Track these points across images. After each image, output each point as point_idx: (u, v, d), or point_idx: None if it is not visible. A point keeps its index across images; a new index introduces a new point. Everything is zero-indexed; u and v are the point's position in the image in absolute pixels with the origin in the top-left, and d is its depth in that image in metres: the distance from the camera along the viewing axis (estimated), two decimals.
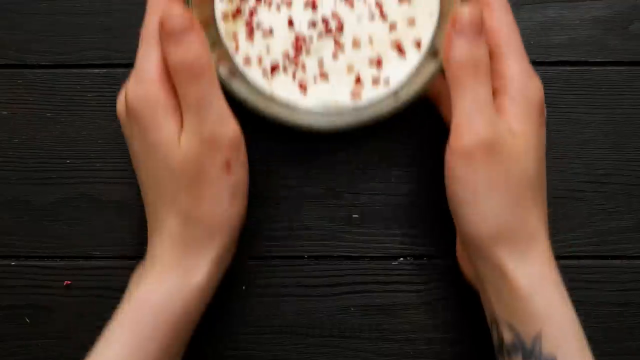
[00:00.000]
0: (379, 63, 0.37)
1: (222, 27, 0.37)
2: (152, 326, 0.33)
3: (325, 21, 0.37)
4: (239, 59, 0.37)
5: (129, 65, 0.42)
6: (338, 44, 0.37)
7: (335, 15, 0.37)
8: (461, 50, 0.33)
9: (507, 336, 0.33)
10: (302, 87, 0.37)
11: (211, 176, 0.33)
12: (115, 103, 0.42)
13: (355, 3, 0.37)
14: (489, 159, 0.32)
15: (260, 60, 0.37)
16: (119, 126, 0.42)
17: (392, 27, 0.37)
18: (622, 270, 0.41)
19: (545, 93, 0.42)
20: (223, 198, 0.34)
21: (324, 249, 0.42)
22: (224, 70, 0.35)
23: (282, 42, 0.37)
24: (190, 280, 0.34)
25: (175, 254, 0.34)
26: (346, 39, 0.37)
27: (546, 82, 0.42)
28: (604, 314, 0.41)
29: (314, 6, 0.37)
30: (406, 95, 0.35)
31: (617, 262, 0.41)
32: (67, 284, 0.42)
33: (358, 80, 0.37)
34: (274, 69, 0.37)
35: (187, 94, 0.33)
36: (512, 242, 0.33)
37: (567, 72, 0.42)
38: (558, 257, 0.41)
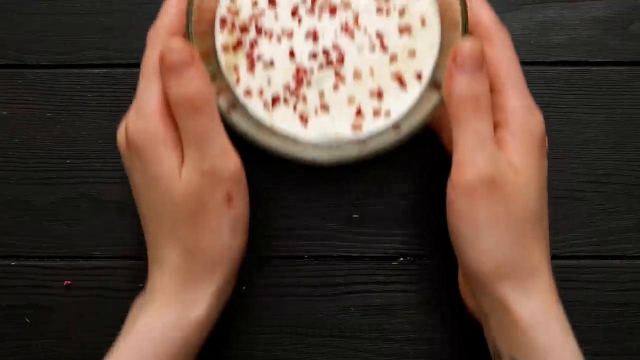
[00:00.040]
0: (379, 95, 0.37)
1: (223, 59, 0.37)
2: (153, 357, 0.33)
3: (326, 53, 0.37)
4: (239, 91, 0.37)
5: (129, 65, 0.42)
6: (339, 76, 0.37)
7: (336, 46, 0.37)
8: (462, 85, 0.33)
9: None
10: (303, 119, 0.37)
11: (212, 209, 0.33)
12: (115, 103, 0.42)
13: (356, 34, 0.37)
14: (490, 194, 0.32)
15: (261, 92, 0.37)
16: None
17: (393, 58, 0.37)
18: (622, 270, 0.41)
19: (545, 93, 0.42)
20: (223, 231, 0.34)
21: (324, 249, 0.42)
22: (224, 103, 0.35)
23: (283, 74, 0.37)
24: (190, 314, 0.34)
25: (175, 287, 0.34)
26: (347, 70, 0.37)
27: (546, 82, 0.42)
28: (604, 314, 0.41)
29: (314, 37, 0.37)
30: (408, 128, 0.35)
31: (617, 262, 0.41)
32: (67, 284, 0.42)
33: (359, 112, 0.37)
34: (274, 101, 0.37)
35: (187, 128, 0.33)
36: (514, 277, 0.33)
37: (567, 72, 0.42)
38: (558, 257, 0.41)
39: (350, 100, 0.37)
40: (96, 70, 0.42)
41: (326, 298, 0.41)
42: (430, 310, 0.41)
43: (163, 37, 0.34)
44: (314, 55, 0.37)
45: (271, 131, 0.37)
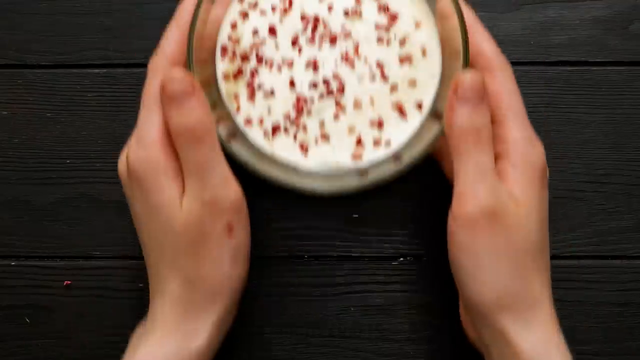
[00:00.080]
0: (380, 124, 0.37)
1: (223, 87, 0.37)
2: None
3: (326, 82, 0.37)
4: (240, 120, 0.37)
5: (129, 65, 0.42)
6: (339, 105, 0.37)
7: (336, 76, 0.37)
8: (463, 117, 0.32)
9: None
10: (303, 148, 0.37)
11: (213, 239, 0.33)
12: (115, 103, 0.42)
13: (357, 64, 0.37)
14: (491, 226, 0.32)
15: (261, 121, 0.37)
16: (119, 126, 0.42)
17: (394, 88, 0.37)
18: (622, 270, 0.41)
19: (545, 93, 0.42)
20: (224, 261, 0.34)
21: (324, 249, 0.42)
22: (223, 131, 0.35)
23: (283, 103, 0.37)
24: (191, 344, 0.34)
25: (175, 317, 0.34)
26: (347, 100, 0.37)
27: (546, 82, 0.42)
28: (604, 314, 0.41)
29: (315, 67, 0.37)
30: (409, 159, 0.35)
31: (617, 262, 0.41)
32: (67, 284, 0.42)
33: (359, 141, 0.37)
34: (275, 130, 0.37)
35: (188, 158, 0.33)
36: (515, 309, 0.33)
37: (567, 72, 0.42)
38: (558, 257, 0.41)
39: (351, 129, 0.37)
40: (96, 70, 0.42)
41: (326, 298, 0.41)
42: (430, 310, 0.41)
43: (164, 66, 0.34)
44: (314, 85, 0.37)
45: (271, 160, 0.37)
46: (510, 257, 0.33)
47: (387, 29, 0.37)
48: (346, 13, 0.37)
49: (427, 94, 0.37)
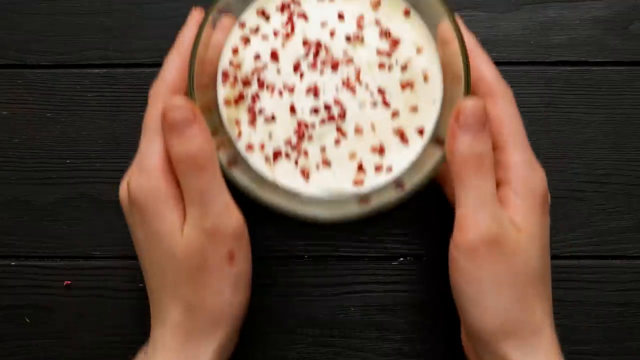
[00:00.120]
0: (381, 150, 0.37)
1: (225, 112, 0.37)
2: None
3: (327, 108, 0.37)
4: (241, 145, 0.37)
5: (129, 65, 0.42)
6: (340, 131, 0.37)
7: (337, 101, 0.37)
8: (465, 144, 0.32)
9: None
10: (305, 174, 0.37)
11: (214, 267, 0.33)
12: (115, 103, 0.42)
13: (358, 90, 0.37)
14: (493, 254, 0.32)
15: (262, 147, 0.37)
16: (119, 126, 0.42)
17: (395, 114, 0.37)
18: (622, 270, 0.41)
19: (545, 93, 0.42)
20: (225, 289, 0.34)
21: (324, 249, 0.42)
22: (224, 158, 0.35)
23: (284, 129, 0.37)
24: None
25: (177, 344, 0.34)
26: (348, 125, 0.37)
27: (546, 82, 0.42)
28: (604, 314, 0.41)
29: (315, 93, 0.37)
30: (411, 186, 0.35)
31: (617, 262, 0.41)
32: (67, 284, 0.42)
33: (360, 167, 0.37)
34: (276, 155, 0.37)
35: (190, 185, 0.33)
36: (517, 336, 0.33)
37: (567, 72, 0.42)
38: (558, 257, 0.41)
39: (352, 155, 0.37)
40: (96, 70, 0.42)
41: (326, 298, 0.41)
42: (430, 310, 0.41)
43: (165, 93, 0.34)
44: (315, 110, 0.37)
45: (273, 187, 0.36)
46: (512, 284, 0.33)
47: (389, 54, 0.37)
48: (348, 38, 0.37)
49: (428, 120, 0.37)
